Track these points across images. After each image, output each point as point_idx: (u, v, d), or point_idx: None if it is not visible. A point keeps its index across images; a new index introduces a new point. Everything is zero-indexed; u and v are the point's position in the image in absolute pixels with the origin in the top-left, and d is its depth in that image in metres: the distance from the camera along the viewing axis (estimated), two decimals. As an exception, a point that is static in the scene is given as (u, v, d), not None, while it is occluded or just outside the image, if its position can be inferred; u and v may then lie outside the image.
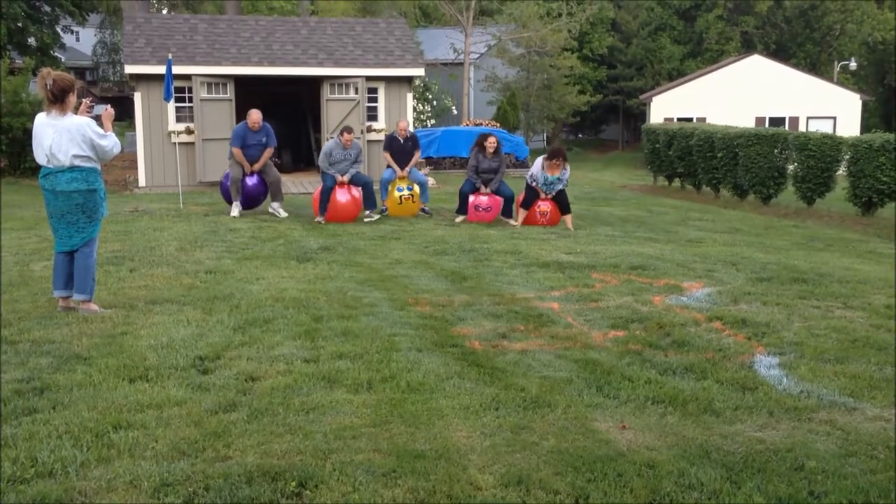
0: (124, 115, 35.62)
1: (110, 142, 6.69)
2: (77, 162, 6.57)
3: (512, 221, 13.13)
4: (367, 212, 13.07)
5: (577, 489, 3.72)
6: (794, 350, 5.96)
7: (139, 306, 7.01)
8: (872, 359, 5.75)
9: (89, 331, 6.19)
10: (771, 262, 9.72)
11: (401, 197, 13.89)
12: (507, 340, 6.18)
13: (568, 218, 13.08)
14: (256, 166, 13.31)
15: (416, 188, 14.05)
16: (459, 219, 13.35)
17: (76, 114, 6.75)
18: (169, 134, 18.85)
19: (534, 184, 12.93)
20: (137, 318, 6.63)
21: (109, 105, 7.30)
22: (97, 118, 6.90)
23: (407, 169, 13.97)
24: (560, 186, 13.01)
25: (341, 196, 12.92)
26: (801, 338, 6.27)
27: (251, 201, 13.68)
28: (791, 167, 18.60)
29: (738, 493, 3.69)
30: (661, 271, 8.95)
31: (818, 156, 17.59)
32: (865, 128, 38.05)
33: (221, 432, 4.27)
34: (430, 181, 18.20)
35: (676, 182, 23.62)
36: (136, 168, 19.40)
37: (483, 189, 13.30)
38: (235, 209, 13.28)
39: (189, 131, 18.81)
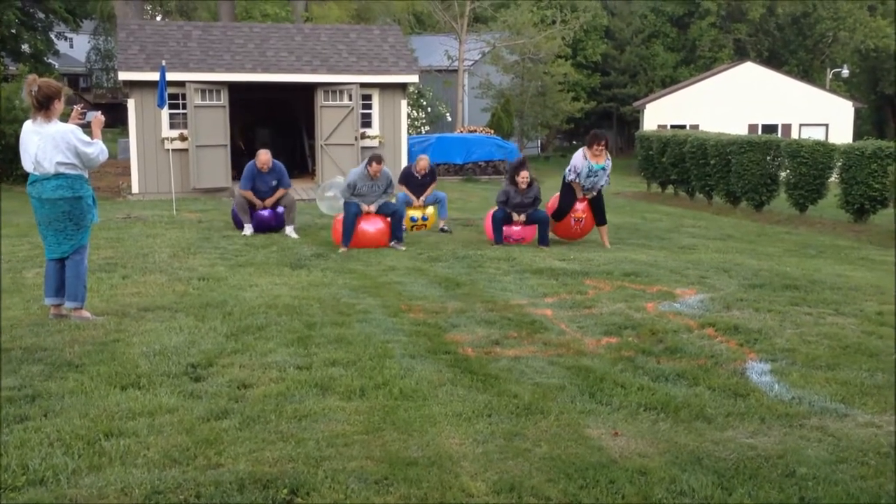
0: (118, 121, 35.61)
1: (96, 149, 6.64)
2: (62, 169, 6.54)
3: (545, 249, 11.27)
4: (393, 243, 11.24)
5: (569, 496, 3.72)
6: (786, 356, 5.98)
7: (131, 313, 7.00)
8: (864, 365, 5.76)
9: (81, 338, 6.18)
10: (763, 269, 9.75)
11: (413, 226, 13.01)
12: (500, 347, 6.19)
13: (604, 231, 11.82)
14: (269, 202, 12.25)
15: (431, 210, 13.29)
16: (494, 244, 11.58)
17: (68, 121, 6.74)
18: (162, 140, 18.84)
19: (575, 178, 11.50)
20: (130, 325, 6.62)
21: (100, 112, 7.29)
22: (88, 125, 6.89)
23: (422, 199, 13.18)
24: (604, 181, 11.65)
25: (367, 226, 11.14)
26: (792, 344, 6.29)
27: (264, 227, 12.37)
28: (783, 174, 18.66)
29: (729, 500, 3.70)
30: (654, 278, 8.96)
31: (810, 163, 17.65)
32: (858, 135, 38.20)
33: (213, 440, 4.26)
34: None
35: (670, 189, 23.66)
36: (130, 175, 19.37)
37: (515, 217, 11.60)
38: (248, 228, 12.21)
39: (182, 138, 18.80)
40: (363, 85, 19.85)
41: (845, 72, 48.20)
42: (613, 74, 49.41)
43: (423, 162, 13.49)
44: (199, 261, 9.76)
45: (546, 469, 3.99)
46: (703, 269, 9.67)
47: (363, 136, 19.96)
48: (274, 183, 12.20)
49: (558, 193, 11.91)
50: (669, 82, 47.11)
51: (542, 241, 11.49)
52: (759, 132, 33.68)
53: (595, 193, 11.63)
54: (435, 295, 8.02)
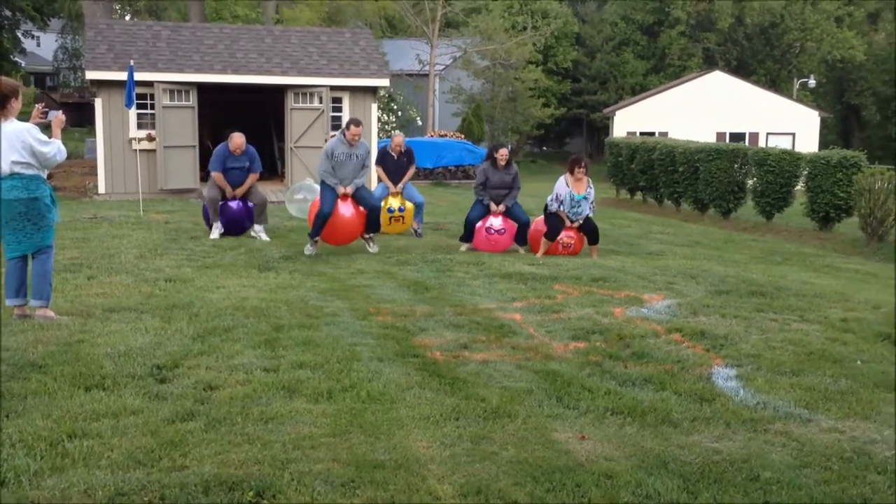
0: (85, 121, 35.24)
1: (53, 148, 6.53)
2: (17, 169, 6.43)
3: (521, 250, 11.29)
4: (367, 237, 10.83)
5: (535, 499, 3.72)
6: (752, 362, 6.03)
7: (96, 314, 6.92)
8: (828, 371, 5.83)
9: (45, 338, 6.10)
10: (730, 276, 9.83)
11: (391, 217, 12.56)
12: (468, 351, 6.18)
13: (594, 250, 11.27)
14: (239, 191, 11.81)
15: (410, 206, 12.82)
16: (464, 247, 11.41)
17: (29, 119, 6.64)
18: (130, 141, 18.68)
19: (559, 208, 10.98)
20: (94, 325, 6.54)
21: (61, 111, 7.19)
22: (49, 124, 6.79)
23: (400, 185, 12.71)
24: (586, 209, 11.06)
25: (344, 210, 10.49)
26: (758, 350, 6.35)
27: (234, 226, 11.99)
28: (750, 182, 18.87)
29: (694, 503, 3.72)
30: (622, 283, 9.01)
31: (777, 171, 17.85)
32: (823, 144, 38.64)
33: (178, 441, 4.22)
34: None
35: (639, 195, 23.83)
36: (96, 175, 19.17)
37: (494, 207, 11.19)
38: (216, 231, 11.75)
39: (150, 138, 18.65)
40: (333, 88, 19.80)
41: (812, 82, 48.80)
42: (584, 81, 49.68)
43: (398, 139, 13.06)
44: (165, 262, 9.68)
45: (513, 472, 3.99)
46: (670, 275, 9.74)
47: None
48: (246, 164, 11.82)
49: (542, 217, 11.49)
50: (639, 90, 47.45)
51: (520, 240, 11.31)
52: (727, 140, 34.02)
53: (580, 222, 11.09)
54: (403, 298, 8.01)
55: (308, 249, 10.39)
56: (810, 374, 5.75)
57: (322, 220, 10.35)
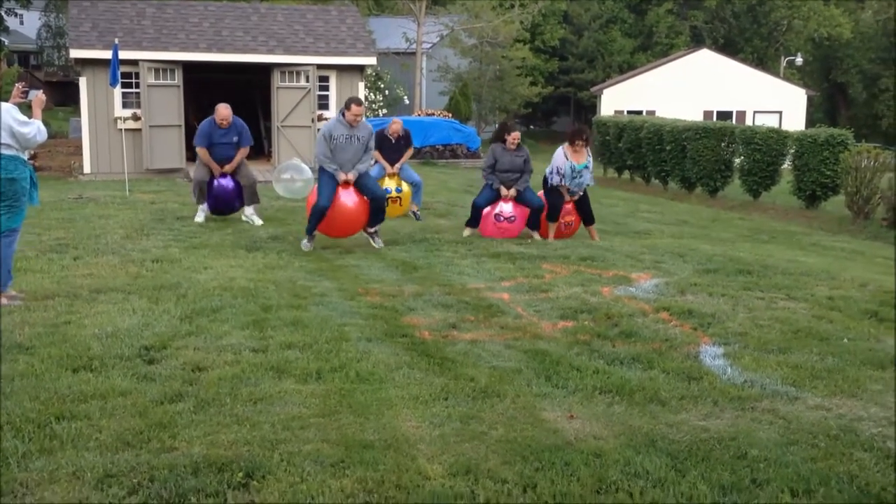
0: (69, 100, 34.97)
1: (32, 129, 6.45)
2: None
3: (536, 235, 10.61)
4: (372, 230, 9.77)
5: (525, 478, 3.74)
6: (739, 340, 6.06)
7: (83, 295, 6.88)
8: (814, 349, 5.86)
9: (32, 320, 6.07)
10: (717, 254, 9.86)
11: (388, 199, 11.40)
12: (456, 331, 6.19)
13: (592, 229, 10.94)
14: (227, 168, 11.09)
15: (406, 188, 12.29)
16: (467, 232, 10.68)
17: (9, 99, 6.56)
18: (115, 120, 18.54)
19: (559, 180, 10.49)
20: (81, 307, 6.51)
21: (41, 91, 7.10)
22: (30, 104, 6.72)
23: (397, 166, 12.21)
24: (587, 179, 10.71)
25: (344, 197, 9.46)
26: (745, 328, 6.38)
27: (224, 206, 11.38)
28: (737, 160, 18.88)
29: (682, 481, 3.74)
30: (610, 262, 9.02)
31: (764, 149, 17.87)
32: (810, 122, 38.75)
33: (167, 423, 4.22)
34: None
35: (626, 174, 23.83)
36: (81, 154, 19.03)
37: (504, 192, 10.42)
38: (201, 214, 11.24)
39: (136, 118, 18.51)
40: (320, 66, 19.68)
41: (799, 60, 48.78)
42: (571, 59, 49.52)
43: (396, 125, 12.59)
44: (152, 242, 9.63)
45: (502, 451, 4.00)
46: (658, 253, 9.76)
47: (320, 118, 19.80)
48: (234, 139, 11.07)
49: (541, 192, 10.85)
50: (627, 68, 47.34)
51: (532, 225, 10.59)
52: (714, 119, 34.06)
53: (581, 194, 10.73)
54: (392, 278, 8.01)
55: (305, 245, 9.41)
56: (797, 352, 5.79)
57: (319, 214, 9.34)
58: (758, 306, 7.15)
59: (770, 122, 31.51)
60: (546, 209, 10.59)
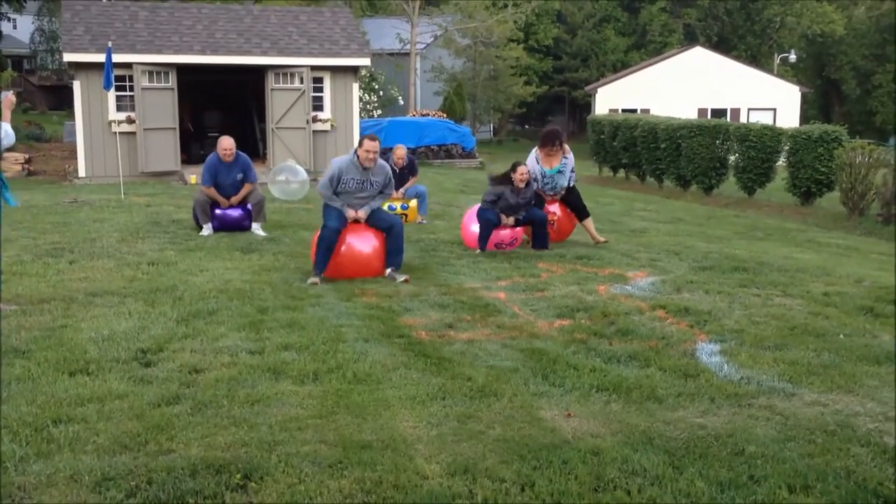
0: (63, 104, 34.93)
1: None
2: None
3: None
4: (390, 270, 8.03)
5: (522, 477, 3.74)
6: (735, 337, 6.07)
7: (79, 299, 6.88)
8: (811, 345, 5.87)
9: (28, 324, 6.06)
10: (712, 252, 9.87)
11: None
12: (453, 331, 6.19)
13: (589, 224, 10.33)
14: (234, 200, 10.63)
15: (413, 204, 11.94)
16: (478, 251, 9.50)
17: None
18: (109, 123, 18.50)
19: (536, 186, 9.93)
20: (77, 310, 6.50)
21: (11, 92, 7.05)
22: None
23: (402, 191, 11.80)
24: (564, 182, 10.14)
25: (356, 242, 8.03)
26: (741, 325, 6.38)
27: (229, 227, 10.72)
28: (732, 158, 18.91)
29: (680, 479, 3.75)
30: (606, 261, 9.03)
31: (759, 147, 17.90)
32: (804, 119, 38.81)
33: (164, 425, 4.22)
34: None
35: (621, 173, 23.86)
36: (76, 158, 19.00)
37: (504, 220, 9.54)
38: (207, 229, 10.55)
39: (130, 121, 18.49)
40: (314, 68, 19.66)
41: (792, 57, 48.92)
42: (565, 58, 49.58)
43: (401, 151, 12.25)
44: (148, 245, 9.62)
45: (500, 451, 4.01)
46: (653, 251, 9.77)
47: (315, 120, 19.81)
48: (239, 177, 10.60)
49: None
50: (621, 67, 47.40)
51: (539, 243, 9.69)
52: (709, 116, 34.05)
53: (562, 194, 10.23)
54: (388, 279, 8.00)
55: (311, 280, 7.70)
56: (793, 349, 5.80)
57: (329, 240, 7.77)
58: (754, 303, 7.16)
59: (764, 119, 31.60)
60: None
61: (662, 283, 7.93)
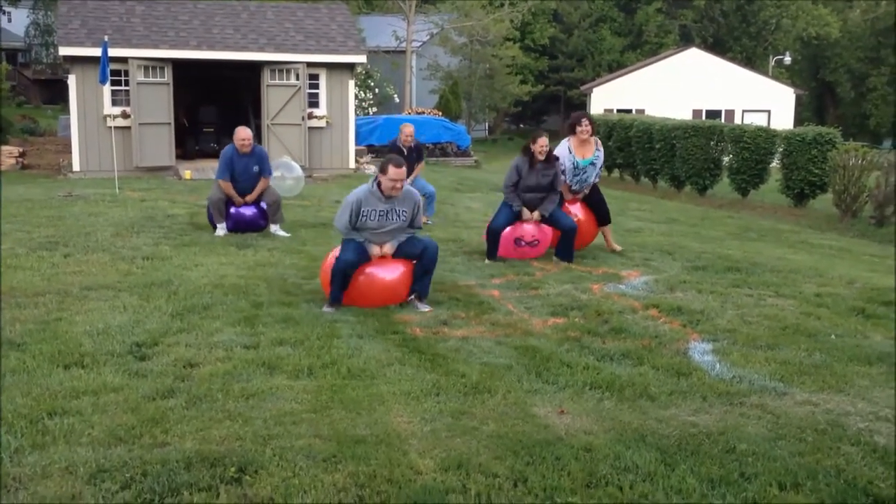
0: (58, 98, 34.85)
1: None
2: None
3: (567, 266, 8.66)
4: (413, 298, 6.94)
5: (515, 472, 3.77)
6: (728, 337, 6.10)
7: (74, 292, 6.89)
8: (802, 345, 5.91)
9: (23, 317, 6.07)
10: (706, 252, 9.91)
11: None
12: (447, 327, 6.22)
13: (608, 231, 9.69)
14: (249, 198, 10.26)
15: (422, 201, 11.53)
16: (487, 262, 8.75)
17: None
18: (104, 118, 18.48)
19: (562, 178, 9.08)
20: (72, 304, 6.52)
21: None
22: None
23: (409, 180, 9.92)
24: (595, 176, 9.41)
25: (378, 271, 6.89)
26: (734, 325, 6.42)
27: (245, 228, 10.34)
28: (726, 159, 18.95)
29: (671, 475, 3.78)
30: (600, 260, 9.06)
31: (753, 148, 17.94)
32: (798, 121, 38.89)
33: (159, 418, 4.23)
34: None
35: (616, 173, 23.89)
36: (70, 152, 18.97)
37: (526, 215, 8.81)
38: (221, 230, 10.22)
39: (125, 115, 18.46)
40: (310, 64, 19.66)
41: (787, 59, 49.02)
42: (561, 58, 49.59)
43: (409, 129, 11.75)
44: (142, 240, 9.63)
45: (493, 446, 4.03)
46: (647, 251, 9.80)
47: (310, 116, 19.81)
48: (255, 169, 10.21)
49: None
50: (616, 67, 47.44)
51: (564, 253, 8.81)
52: (703, 117, 34.11)
53: (585, 192, 9.48)
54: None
55: (326, 309, 6.63)
56: (785, 349, 5.83)
57: (342, 275, 6.64)
58: (746, 303, 7.19)
59: (758, 120, 31.64)
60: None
61: (656, 283, 7.96)
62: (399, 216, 6.84)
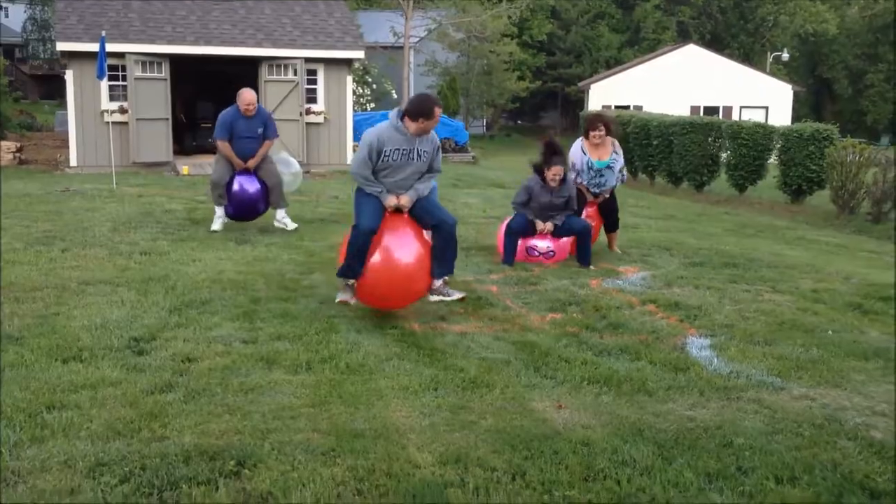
0: (55, 93, 34.81)
1: None
2: None
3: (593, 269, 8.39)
4: (439, 284, 6.31)
5: (514, 466, 3.78)
6: (725, 332, 6.12)
7: (71, 287, 6.88)
8: (799, 341, 5.93)
9: (21, 311, 6.07)
10: (703, 248, 9.92)
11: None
12: (446, 322, 6.22)
13: (614, 238, 9.37)
14: (251, 162, 9.65)
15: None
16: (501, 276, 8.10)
17: None
18: (102, 113, 18.45)
19: (577, 179, 8.90)
20: (70, 298, 6.51)
21: None
22: None
23: None
24: (615, 180, 9.05)
25: (395, 239, 6.11)
26: (731, 320, 6.44)
27: (247, 212, 9.89)
28: (724, 155, 18.98)
29: (669, 469, 3.79)
30: (598, 256, 9.05)
31: (750, 144, 17.97)
32: (796, 118, 38.91)
33: (158, 412, 4.24)
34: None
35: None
36: (68, 147, 18.95)
37: (540, 227, 8.52)
38: (218, 221, 9.83)
39: (123, 110, 18.44)
40: (308, 60, 19.64)
41: (785, 55, 49.04)
42: (559, 54, 49.57)
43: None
44: (140, 235, 9.62)
45: (491, 441, 4.04)
46: (645, 247, 9.82)
47: (308, 112, 19.80)
48: (259, 130, 9.67)
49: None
50: (614, 63, 47.44)
51: (583, 258, 8.52)
52: (701, 114, 34.12)
53: (607, 195, 9.13)
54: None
55: (341, 295, 6.19)
56: (782, 344, 5.85)
57: (362, 243, 5.97)
58: (743, 299, 7.21)
59: (756, 117, 31.69)
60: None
61: (653, 279, 7.97)
62: (420, 156, 6.16)
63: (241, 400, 4.46)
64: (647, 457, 3.91)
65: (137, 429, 4.04)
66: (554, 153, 8.44)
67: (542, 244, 8.58)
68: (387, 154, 6.04)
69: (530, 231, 8.53)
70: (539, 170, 8.51)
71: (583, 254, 8.53)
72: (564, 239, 8.65)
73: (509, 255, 8.47)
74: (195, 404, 4.39)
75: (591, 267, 8.44)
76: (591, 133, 8.87)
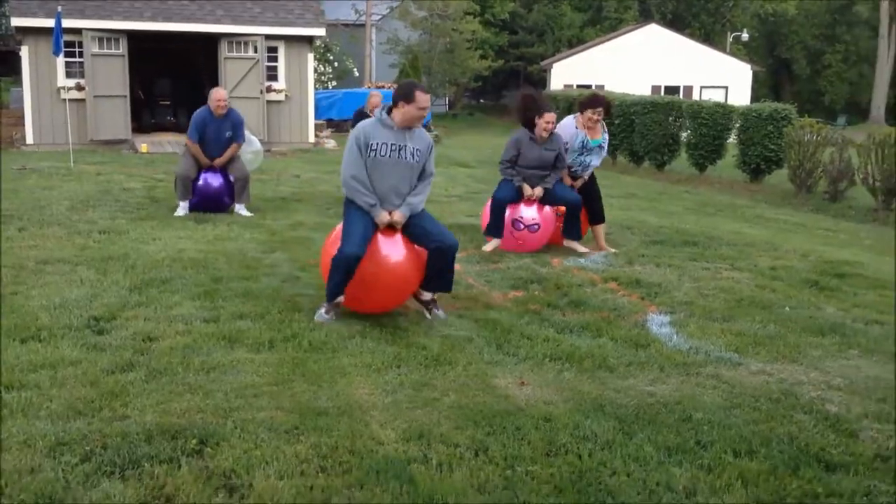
0: (10, 70, 34.11)
1: None
2: None
3: (579, 247, 8.25)
4: (429, 297, 5.89)
5: (476, 442, 3.81)
6: (684, 309, 6.19)
7: (29, 266, 6.79)
8: (757, 317, 6.02)
9: (-23, 291, 5.98)
10: (664, 226, 10.02)
11: None
12: (408, 300, 6.22)
13: (599, 230, 8.56)
14: (218, 162, 9.73)
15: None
16: (490, 246, 8.08)
17: None
18: (58, 90, 18.16)
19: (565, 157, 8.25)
20: (28, 277, 6.43)
21: None
22: None
23: None
24: (598, 161, 8.55)
25: (387, 247, 5.72)
26: (690, 297, 6.52)
27: (212, 204, 9.81)
28: (684, 135, 19.11)
29: (629, 444, 3.84)
30: (560, 234, 9.09)
31: (710, 124, 18.11)
32: (755, 97, 39.27)
33: (119, 392, 4.21)
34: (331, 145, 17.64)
35: (575, 148, 23.99)
36: (24, 125, 18.63)
37: (527, 191, 8.02)
38: (181, 209, 9.70)
39: (80, 88, 18.16)
40: (268, 37, 19.46)
41: (745, 36, 49.38)
42: (521, 33, 49.50)
43: (376, 98, 10.96)
44: (98, 214, 9.50)
45: (454, 417, 4.07)
46: (607, 225, 9.86)
47: (269, 90, 19.62)
48: (228, 135, 9.73)
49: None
50: (576, 42, 47.49)
51: (570, 232, 8.26)
52: (662, 93, 34.32)
53: (586, 178, 8.56)
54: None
55: (321, 315, 5.62)
56: (740, 320, 5.94)
57: (346, 267, 5.52)
58: (703, 276, 7.30)
59: (716, 97, 31.90)
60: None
61: (615, 257, 8.04)
62: (413, 155, 5.69)
63: (202, 379, 4.44)
64: (608, 432, 3.95)
65: (98, 408, 4.01)
66: (543, 106, 7.98)
67: (528, 213, 8.01)
68: (374, 148, 5.61)
69: (517, 199, 8.03)
70: (529, 121, 7.99)
71: (572, 226, 8.21)
72: (548, 209, 8.14)
73: (498, 228, 8.01)
74: (156, 383, 4.36)
75: (579, 247, 8.23)
76: (590, 111, 8.30)
